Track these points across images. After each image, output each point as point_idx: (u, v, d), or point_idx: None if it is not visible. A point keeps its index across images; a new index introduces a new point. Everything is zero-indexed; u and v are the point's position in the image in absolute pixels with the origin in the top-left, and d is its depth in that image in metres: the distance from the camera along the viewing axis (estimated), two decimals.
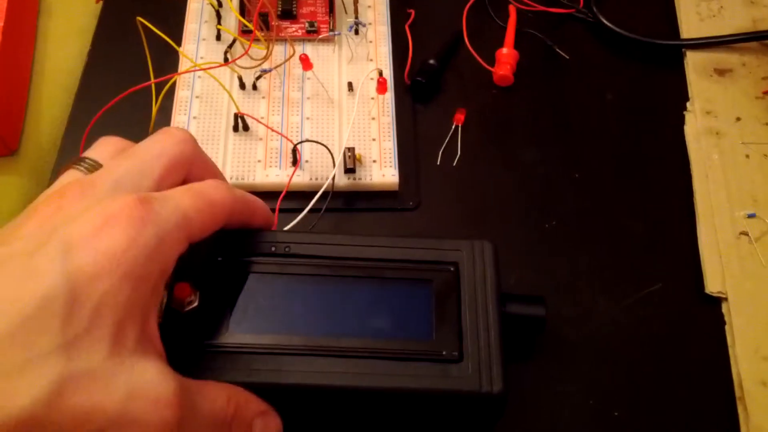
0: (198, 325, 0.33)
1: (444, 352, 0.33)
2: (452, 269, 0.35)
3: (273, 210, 0.39)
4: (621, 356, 0.39)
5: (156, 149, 0.30)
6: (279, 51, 0.47)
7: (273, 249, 0.35)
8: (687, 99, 0.48)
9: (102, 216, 0.25)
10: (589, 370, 0.38)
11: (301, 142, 0.43)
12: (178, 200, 0.27)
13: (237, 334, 0.33)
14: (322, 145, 0.42)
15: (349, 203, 0.42)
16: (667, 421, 0.37)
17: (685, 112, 0.47)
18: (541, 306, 0.37)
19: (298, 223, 0.40)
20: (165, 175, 0.29)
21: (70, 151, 0.44)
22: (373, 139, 0.44)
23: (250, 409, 0.30)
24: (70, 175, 0.29)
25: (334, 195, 0.41)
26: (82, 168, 0.29)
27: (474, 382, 0.32)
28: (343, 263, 0.35)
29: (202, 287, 0.33)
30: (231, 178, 0.42)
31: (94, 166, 0.29)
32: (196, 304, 0.33)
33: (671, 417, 0.37)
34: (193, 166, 0.31)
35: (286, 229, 0.39)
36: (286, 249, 0.35)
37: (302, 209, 0.40)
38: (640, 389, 0.38)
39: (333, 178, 0.41)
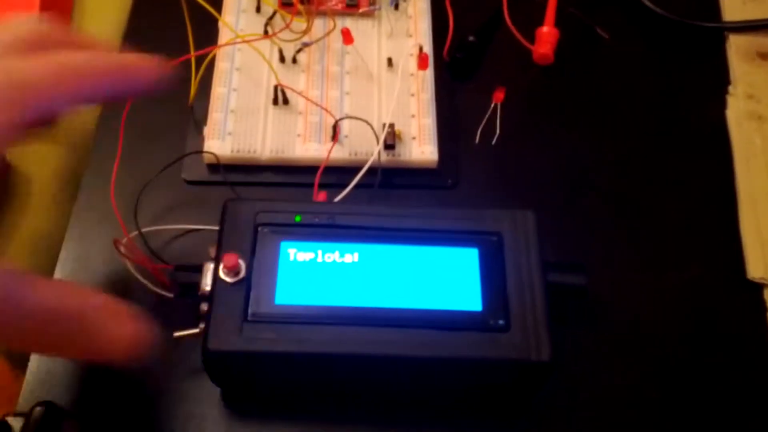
0: (245, 296, 0.33)
1: (492, 322, 0.33)
2: (495, 239, 0.35)
3: (312, 184, 0.40)
4: (657, 336, 0.39)
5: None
6: (318, 25, 0.46)
7: (317, 220, 0.35)
8: (729, 83, 0.47)
9: None
10: (624, 349, 0.38)
11: (342, 118, 0.42)
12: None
13: (284, 304, 0.33)
14: (365, 122, 0.42)
15: (388, 180, 0.42)
16: (703, 404, 0.37)
17: (727, 96, 0.47)
18: (582, 274, 0.37)
19: (338, 198, 0.40)
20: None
21: (111, 120, 0.44)
22: (413, 116, 0.43)
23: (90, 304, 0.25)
24: None
25: (372, 171, 0.41)
26: None
27: (522, 351, 0.32)
28: (388, 234, 0.35)
29: (249, 258, 0.34)
30: (270, 151, 0.42)
31: None
32: (243, 274, 0.33)
33: (707, 400, 0.37)
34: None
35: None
36: (330, 220, 0.35)
37: (340, 184, 0.40)
38: (675, 371, 0.38)
39: (379, 154, 0.41)
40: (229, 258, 0.33)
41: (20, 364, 0.38)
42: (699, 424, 0.37)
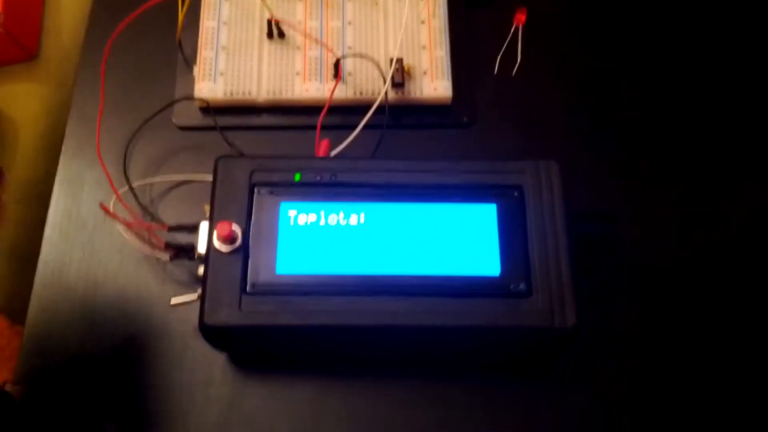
0: (243, 266, 0.30)
1: (511, 287, 0.31)
2: (516, 194, 0.32)
3: (314, 127, 0.36)
4: (692, 291, 0.36)
5: None
6: None
7: (318, 178, 0.32)
8: None
9: None
10: (656, 300, 0.36)
11: (344, 56, 0.38)
12: None
13: (286, 274, 0.31)
14: (370, 59, 0.38)
15: (397, 120, 0.38)
16: (740, 352, 0.35)
17: None
18: (612, 223, 0.34)
19: (341, 146, 0.36)
20: None
21: (94, 55, 0.40)
22: (423, 47, 0.39)
23: None
24: None
25: (380, 110, 0.37)
26: None
27: (545, 317, 0.30)
28: (396, 190, 0.32)
29: (246, 222, 0.31)
30: (268, 93, 0.38)
31: None
32: (239, 242, 0.31)
33: (744, 350, 0.35)
34: None
35: (332, 154, 0.36)
36: (333, 177, 0.32)
37: (345, 126, 0.37)
38: (713, 324, 0.35)
39: (386, 94, 0.37)
40: (223, 227, 0.30)
41: (20, 320, 0.36)
42: (735, 375, 0.34)
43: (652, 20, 0.42)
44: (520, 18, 0.41)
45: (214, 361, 0.34)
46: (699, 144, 0.39)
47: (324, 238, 0.31)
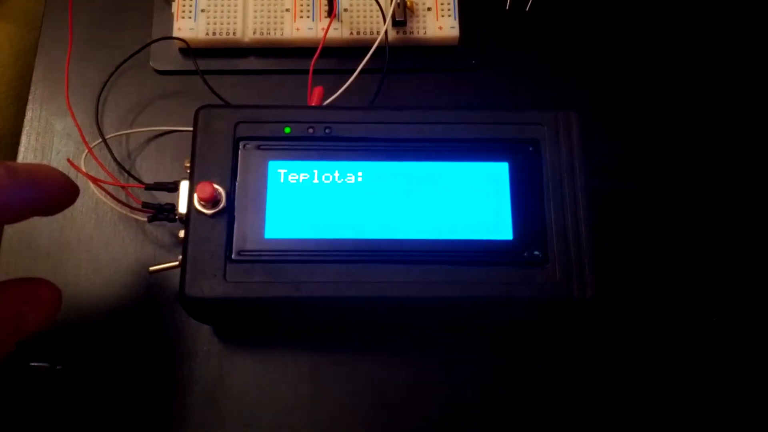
0: (228, 230, 0.27)
1: (525, 253, 0.28)
2: (531, 149, 0.29)
3: (306, 71, 0.32)
4: (729, 245, 0.33)
5: None
6: None
7: (311, 131, 0.29)
8: None
9: None
10: (682, 266, 0.33)
11: None
12: None
13: (276, 239, 0.28)
14: None
15: (399, 63, 0.34)
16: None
17: None
18: (636, 181, 0.31)
19: (336, 94, 0.33)
20: None
21: (58, 4, 0.36)
22: None
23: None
24: None
25: (379, 52, 0.33)
26: None
27: (562, 287, 0.27)
28: (398, 146, 0.29)
29: (230, 182, 0.28)
30: (254, 33, 0.34)
31: None
32: (223, 203, 0.27)
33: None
34: None
35: (327, 102, 0.32)
36: (327, 131, 0.29)
37: (340, 70, 0.33)
38: (743, 293, 0.32)
39: (386, 33, 0.33)
40: (204, 188, 0.27)
41: None
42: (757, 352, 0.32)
43: None
44: None
45: (199, 332, 0.31)
46: (737, 99, 0.35)
47: (318, 199, 0.28)
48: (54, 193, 0.25)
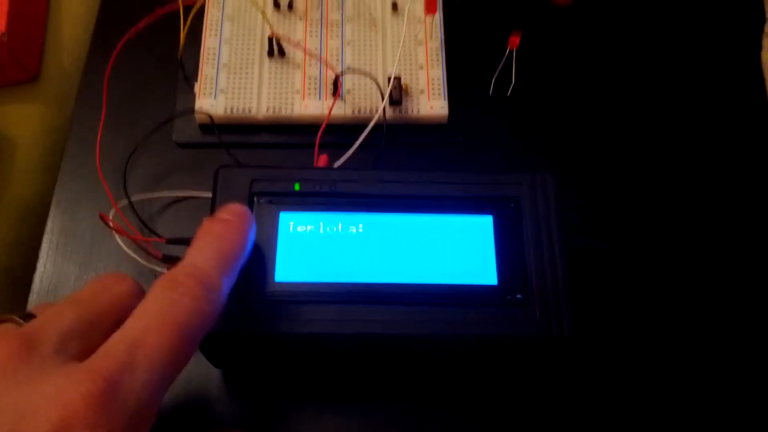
0: (242, 273, 0.30)
1: (509, 296, 0.31)
2: (513, 205, 0.32)
3: (313, 145, 0.36)
4: (691, 300, 0.36)
5: (104, 297, 0.25)
6: None
7: (318, 188, 0.33)
8: (764, 21, 0.43)
9: (56, 415, 0.20)
10: (652, 316, 0.36)
11: (344, 72, 0.39)
12: (150, 362, 0.22)
13: (285, 282, 0.31)
14: (369, 76, 0.38)
15: (394, 138, 0.38)
16: (742, 372, 0.35)
17: (762, 36, 0.43)
18: (606, 240, 0.34)
19: (340, 161, 0.37)
20: (114, 327, 0.23)
21: (95, 75, 0.40)
22: (421, 67, 0.40)
23: None
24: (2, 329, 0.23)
25: (377, 129, 0.37)
26: (15, 319, 0.24)
27: (542, 327, 0.30)
28: (395, 201, 0.32)
29: None
30: (267, 110, 0.39)
31: (29, 316, 0.24)
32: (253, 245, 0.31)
33: (747, 365, 0.35)
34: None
35: (335, 166, 0.36)
36: (332, 188, 0.33)
37: (342, 144, 0.37)
38: (710, 336, 0.35)
39: (384, 111, 0.37)
40: None
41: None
42: (735, 396, 0.34)
43: (642, 43, 0.43)
44: (514, 41, 0.41)
45: (210, 378, 0.34)
46: (693, 160, 0.39)
47: (323, 247, 0.31)
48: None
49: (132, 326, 0.23)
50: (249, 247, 0.28)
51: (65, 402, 0.20)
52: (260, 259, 0.31)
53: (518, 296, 0.31)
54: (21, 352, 0.21)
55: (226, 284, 0.26)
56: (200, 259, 0.26)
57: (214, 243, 0.27)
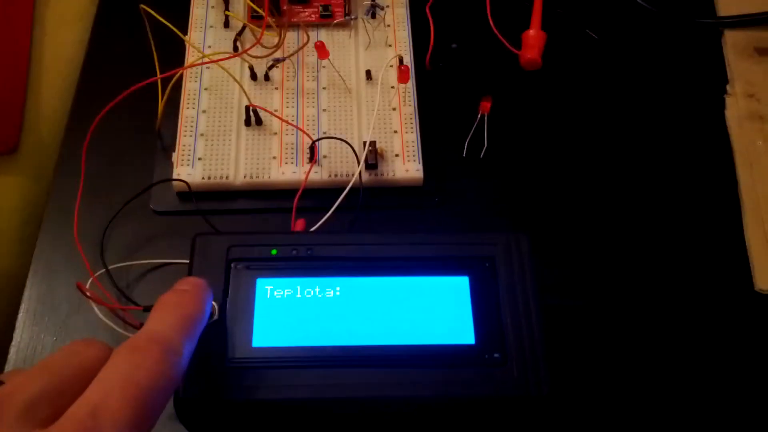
0: (220, 339, 0.30)
1: (486, 356, 0.31)
2: (488, 264, 0.33)
3: (290, 209, 0.37)
4: (665, 352, 0.36)
5: (74, 361, 0.24)
6: (291, 38, 0.44)
7: (294, 252, 0.33)
8: (726, 81, 0.45)
9: None
10: (628, 366, 0.36)
11: (319, 138, 0.40)
12: (115, 426, 0.22)
13: (262, 347, 0.31)
14: (344, 141, 0.39)
15: (371, 201, 0.39)
16: (710, 418, 0.35)
17: (725, 96, 0.44)
18: (580, 296, 0.35)
19: (317, 225, 0.37)
20: (82, 390, 0.23)
21: (73, 147, 0.41)
22: (395, 132, 0.41)
23: None
24: None
25: (354, 192, 0.38)
26: None
27: (520, 386, 0.30)
28: (371, 264, 0.33)
29: (222, 297, 0.31)
30: (244, 176, 0.39)
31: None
32: (216, 316, 0.31)
33: (714, 414, 0.35)
34: None
35: (311, 230, 0.36)
36: (309, 252, 0.33)
37: (320, 208, 0.38)
38: (682, 387, 0.35)
39: (360, 175, 0.38)
40: None
41: None
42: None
43: (610, 105, 0.44)
44: (485, 106, 0.43)
45: None
46: (662, 219, 0.40)
47: (300, 311, 0.31)
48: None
49: (94, 390, 0.23)
50: (207, 314, 0.29)
51: None
52: (238, 325, 0.31)
53: (496, 355, 0.31)
54: None
55: (187, 348, 0.26)
56: (160, 324, 0.26)
57: (174, 310, 0.27)
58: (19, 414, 0.22)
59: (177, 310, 0.27)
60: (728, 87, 0.45)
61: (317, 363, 0.30)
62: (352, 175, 0.39)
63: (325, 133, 0.40)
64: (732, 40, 0.46)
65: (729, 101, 0.44)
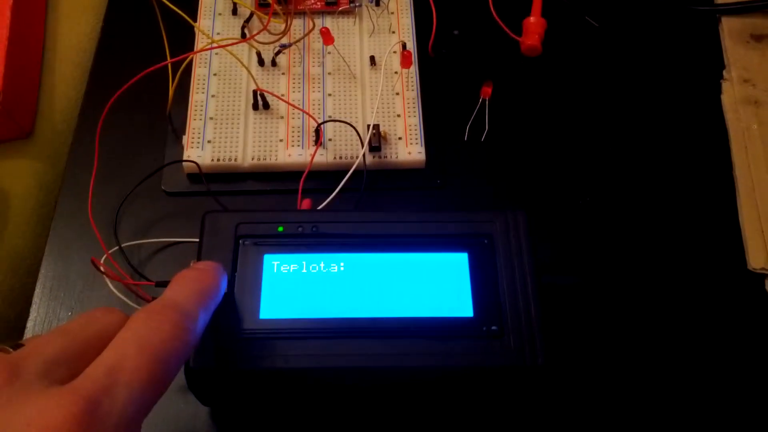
0: (228, 312, 0.32)
1: (484, 328, 0.32)
2: (486, 241, 0.34)
3: (297, 191, 0.38)
4: (659, 327, 0.38)
5: (92, 326, 0.25)
6: (297, 25, 0.45)
7: (300, 229, 0.34)
8: (723, 67, 0.46)
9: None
10: (623, 347, 0.37)
11: (325, 121, 0.41)
12: (130, 385, 0.23)
13: (269, 319, 0.32)
14: (348, 124, 0.40)
15: (374, 182, 0.40)
16: (704, 398, 0.36)
17: (721, 81, 0.45)
18: (576, 274, 0.36)
19: (322, 205, 0.38)
20: (99, 354, 0.24)
21: (87, 131, 0.42)
22: (398, 116, 0.42)
23: None
24: None
25: (358, 174, 0.39)
26: (5, 348, 0.25)
27: (517, 356, 0.31)
28: (374, 241, 0.34)
29: (231, 272, 0.32)
30: (252, 158, 0.40)
31: (18, 346, 0.25)
32: (225, 291, 0.32)
33: (709, 394, 0.36)
34: None
35: (318, 208, 0.38)
36: (314, 229, 0.34)
37: (325, 189, 0.39)
38: (677, 367, 0.37)
39: (364, 158, 0.39)
40: None
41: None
42: (700, 420, 0.35)
43: (608, 89, 0.45)
44: (486, 91, 0.44)
45: (198, 416, 0.35)
46: (659, 199, 0.41)
47: (306, 285, 0.33)
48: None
49: (111, 352, 0.24)
50: (222, 291, 0.30)
51: (47, 422, 0.21)
52: (246, 298, 0.32)
53: (493, 327, 0.32)
54: (5, 377, 0.22)
55: (202, 318, 0.27)
56: (178, 294, 0.27)
57: (191, 283, 0.28)
58: (39, 372, 0.23)
59: (194, 283, 0.28)
60: (724, 72, 0.46)
61: (322, 334, 0.32)
62: (357, 157, 0.40)
63: (330, 116, 0.42)
64: (728, 26, 0.47)
65: (725, 86, 0.45)
